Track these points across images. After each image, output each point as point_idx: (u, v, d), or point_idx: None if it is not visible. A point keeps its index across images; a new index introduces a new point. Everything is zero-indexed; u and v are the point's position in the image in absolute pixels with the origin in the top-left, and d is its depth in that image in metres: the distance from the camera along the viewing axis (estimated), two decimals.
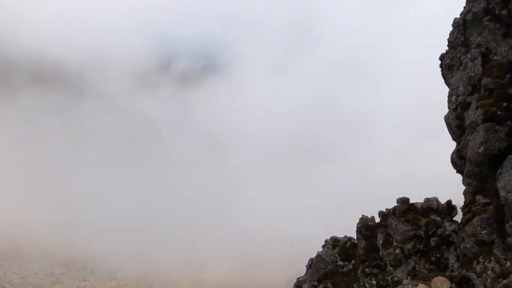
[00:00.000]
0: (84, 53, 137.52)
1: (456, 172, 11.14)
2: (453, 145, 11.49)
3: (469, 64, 10.93)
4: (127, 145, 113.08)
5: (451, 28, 12.41)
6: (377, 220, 11.89)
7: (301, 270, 15.88)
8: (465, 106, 10.69)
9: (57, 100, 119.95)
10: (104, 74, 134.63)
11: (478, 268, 8.62)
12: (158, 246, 75.50)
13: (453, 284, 9.01)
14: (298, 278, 13.47)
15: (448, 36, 12.45)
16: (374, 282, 10.93)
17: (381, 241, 11.15)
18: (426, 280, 9.54)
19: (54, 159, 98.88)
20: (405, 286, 9.67)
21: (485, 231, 8.84)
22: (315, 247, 13.49)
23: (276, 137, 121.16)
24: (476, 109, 10.12)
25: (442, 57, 12.51)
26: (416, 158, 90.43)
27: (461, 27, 11.62)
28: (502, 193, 8.37)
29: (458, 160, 10.85)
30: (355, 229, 12.24)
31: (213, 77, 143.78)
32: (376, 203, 11.96)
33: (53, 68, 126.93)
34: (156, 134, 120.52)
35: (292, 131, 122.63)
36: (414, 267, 10.21)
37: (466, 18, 11.39)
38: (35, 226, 75.95)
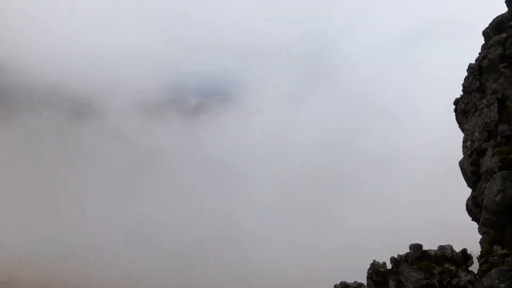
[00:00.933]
0: (95, 80, 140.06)
1: (472, 219, 10.84)
2: (468, 191, 11.25)
3: (485, 110, 10.82)
4: (131, 173, 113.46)
5: (465, 73, 12.42)
6: (389, 266, 11.52)
7: None
8: (481, 152, 10.51)
9: (60, 124, 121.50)
10: (113, 103, 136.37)
11: None
12: (163, 276, 74.38)
13: None
14: None
15: (462, 81, 12.43)
16: None
17: None
18: None
19: (52, 184, 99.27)
20: None
21: (503, 285, 8.47)
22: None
23: (291, 170, 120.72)
24: (493, 155, 9.93)
25: (456, 102, 12.43)
26: (436, 202, 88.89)
27: (476, 73, 11.58)
28: None
29: (474, 208, 10.57)
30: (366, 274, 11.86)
31: (227, 110, 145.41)
32: (391, 247, 11.58)
33: (60, 92, 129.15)
34: (163, 164, 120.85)
35: (307, 165, 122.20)
36: None
37: (482, 64, 11.37)
38: (30, 251, 75.59)
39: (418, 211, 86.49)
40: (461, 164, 11.03)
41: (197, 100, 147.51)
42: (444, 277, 9.98)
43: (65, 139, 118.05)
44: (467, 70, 12.05)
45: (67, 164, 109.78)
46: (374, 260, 11.65)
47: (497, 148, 9.79)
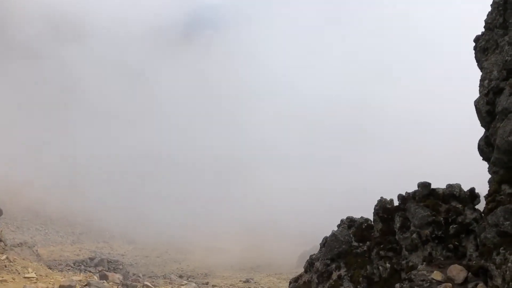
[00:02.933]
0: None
1: (482, 159, 10.75)
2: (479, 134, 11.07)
3: (506, 47, 10.39)
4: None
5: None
6: (396, 203, 11.65)
7: (314, 248, 15.84)
8: (498, 91, 10.21)
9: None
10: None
11: (498, 259, 8.36)
12: (171, 216, 77.01)
13: (470, 273, 8.79)
14: (311, 256, 13.41)
15: (485, 17, 11.85)
16: (388, 265, 10.78)
17: (398, 225, 10.93)
18: (442, 267, 9.32)
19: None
20: (420, 272, 9.48)
21: (508, 222, 8.54)
22: (330, 226, 13.39)
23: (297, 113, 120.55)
24: (510, 95, 9.66)
25: (477, 39, 11.93)
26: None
27: (500, 8, 11.00)
28: None
29: (486, 147, 10.46)
30: (372, 211, 12.04)
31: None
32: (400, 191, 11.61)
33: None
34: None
35: (318, 109, 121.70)
36: (430, 253, 9.99)
37: None
38: (55, 189, 78.27)
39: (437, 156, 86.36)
40: (476, 103, 10.78)
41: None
42: (450, 214, 10.08)
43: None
44: (490, 5, 11.45)
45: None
46: (381, 197, 11.78)
47: None
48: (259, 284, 47.25)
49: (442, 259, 9.69)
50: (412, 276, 9.55)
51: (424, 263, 9.88)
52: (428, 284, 9.20)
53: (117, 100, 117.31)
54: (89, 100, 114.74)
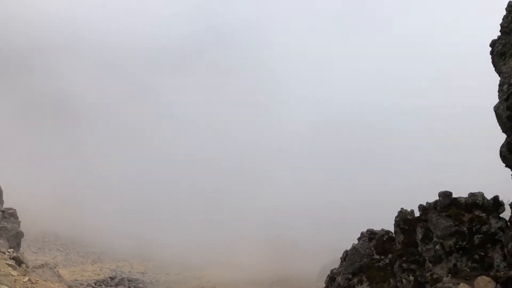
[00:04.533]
0: None
1: (505, 166, 10.45)
2: (502, 138, 10.78)
3: None
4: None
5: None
6: (417, 214, 11.39)
7: (335, 261, 15.51)
8: None
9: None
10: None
11: None
12: (186, 233, 76.78)
13: (498, 284, 8.48)
14: (332, 270, 13.17)
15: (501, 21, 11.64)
16: (411, 278, 10.48)
17: (420, 236, 10.66)
18: (468, 279, 9.02)
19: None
20: (445, 284, 9.19)
21: None
22: (350, 238, 13.15)
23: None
24: None
25: (493, 44, 11.71)
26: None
27: None
28: None
29: (508, 154, 10.17)
30: (393, 222, 11.79)
31: None
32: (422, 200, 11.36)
33: None
34: None
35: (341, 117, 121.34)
36: (455, 265, 9.69)
37: None
38: (74, 210, 78.96)
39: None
40: (496, 109, 10.53)
41: None
42: (473, 224, 9.79)
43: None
44: (506, 9, 11.26)
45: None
46: (401, 208, 11.53)
47: None
48: None
49: (468, 270, 9.39)
50: None
51: (449, 275, 9.58)
52: None
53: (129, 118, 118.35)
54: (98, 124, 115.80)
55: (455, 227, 9.96)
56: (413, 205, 11.54)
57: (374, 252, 11.81)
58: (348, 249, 12.53)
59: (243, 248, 73.37)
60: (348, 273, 11.84)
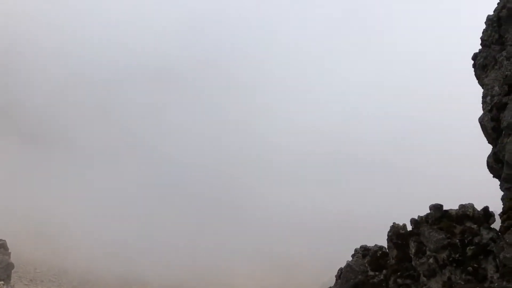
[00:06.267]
0: None
1: (493, 176, 10.53)
2: (488, 149, 10.89)
3: (505, 62, 10.35)
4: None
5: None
6: (409, 228, 11.37)
7: (333, 279, 15.36)
8: (501, 106, 10.11)
9: None
10: None
11: None
12: (183, 255, 75.71)
13: None
14: None
15: (481, 34, 11.87)
16: None
17: (413, 250, 10.63)
18: None
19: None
20: None
21: None
22: (347, 253, 13.03)
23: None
24: None
25: (475, 57, 11.91)
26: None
27: (495, 24, 11.05)
28: None
29: (495, 164, 10.25)
30: (386, 237, 11.75)
31: None
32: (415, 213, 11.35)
33: None
34: None
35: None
36: (449, 278, 9.65)
37: (501, 14, 10.83)
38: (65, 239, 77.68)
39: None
40: (481, 120, 10.66)
41: None
42: (465, 236, 9.79)
43: None
44: (485, 23, 11.50)
45: None
46: (394, 223, 11.51)
47: None
48: None
49: (462, 283, 9.35)
50: None
51: None
52: None
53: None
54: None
55: (448, 239, 9.96)
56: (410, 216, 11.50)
57: (368, 269, 11.74)
58: (343, 267, 12.44)
59: (241, 267, 72.62)
60: None
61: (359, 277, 11.54)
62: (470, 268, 9.34)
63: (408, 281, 10.50)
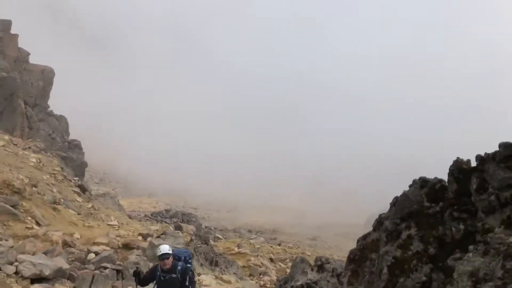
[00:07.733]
0: None
1: None
2: None
3: None
4: None
5: None
6: (473, 164, 11.08)
7: (383, 210, 15.57)
8: None
9: None
10: None
11: None
12: (236, 174, 78.43)
13: None
14: (380, 215, 13.27)
15: None
16: (462, 226, 10.40)
17: (475, 186, 10.43)
18: None
19: None
20: (496, 235, 9.08)
21: None
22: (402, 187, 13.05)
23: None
24: None
25: None
26: None
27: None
28: None
29: None
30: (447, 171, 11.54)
31: None
32: None
33: None
34: None
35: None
36: (509, 217, 9.50)
37: None
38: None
39: None
40: None
41: None
42: None
43: None
44: None
45: None
46: (457, 157, 11.24)
47: None
48: (326, 243, 47.79)
49: None
50: (488, 239, 9.18)
51: (502, 226, 9.43)
52: (505, 248, 8.81)
53: None
54: None
55: None
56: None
57: (425, 200, 11.73)
58: (398, 196, 12.52)
59: (290, 193, 74.96)
60: (397, 218, 11.91)
61: (414, 206, 11.59)
62: None
63: (464, 215, 10.43)
